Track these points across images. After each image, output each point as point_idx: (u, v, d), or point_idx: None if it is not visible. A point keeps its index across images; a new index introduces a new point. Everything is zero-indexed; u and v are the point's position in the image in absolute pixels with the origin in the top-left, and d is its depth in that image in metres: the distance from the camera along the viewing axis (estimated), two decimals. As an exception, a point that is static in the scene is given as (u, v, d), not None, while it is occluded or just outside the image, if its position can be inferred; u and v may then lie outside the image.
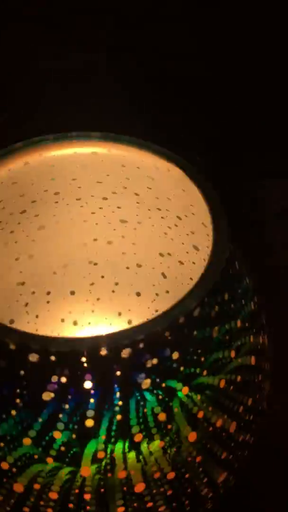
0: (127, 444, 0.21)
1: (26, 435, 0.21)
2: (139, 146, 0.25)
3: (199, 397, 0.22)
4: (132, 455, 0.21)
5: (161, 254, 0.33)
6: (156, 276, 0.34)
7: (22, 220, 0.31)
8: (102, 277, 0.35)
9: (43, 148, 0.25)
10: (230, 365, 0.23)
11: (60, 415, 0.20)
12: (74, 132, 0.25)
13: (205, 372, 0.22)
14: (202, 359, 0.22)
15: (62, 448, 0.21)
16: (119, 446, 0.21)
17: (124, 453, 0.21)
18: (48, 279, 0.35)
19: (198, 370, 0.21)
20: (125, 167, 0.27)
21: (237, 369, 0.23)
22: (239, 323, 0.23)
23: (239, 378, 0.23)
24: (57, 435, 0.21)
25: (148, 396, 0.21)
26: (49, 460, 0.21)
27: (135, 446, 0.21)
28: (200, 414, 0.22)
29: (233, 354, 0.23)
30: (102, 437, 0.21)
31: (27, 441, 0.21)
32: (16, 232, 0.32)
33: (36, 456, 0.21)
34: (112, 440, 0.21)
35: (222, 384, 0.22)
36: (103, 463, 0.21)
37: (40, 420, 0.20)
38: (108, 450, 0.21)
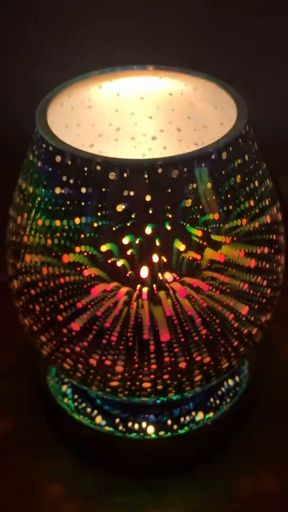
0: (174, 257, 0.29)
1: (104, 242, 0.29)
2: (182, 72, 0.35)
3: (226, 226, 0.30)
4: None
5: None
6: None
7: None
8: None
9: (112, 75, 0.35)
10: (252, 214, 0.31)
11: (128, 224, 0.29)
12: (134, 65, 0.35)
13: (234, 214, 0.30)
14: (231, 204, 0.30)
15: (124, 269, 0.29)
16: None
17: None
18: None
19: (229, 207, 0.30)
20: (171, 96, 0.36)
21: (258, 220, 0.31)
22: (256, 183, 0.31)
23: (257, 224, 0.31)
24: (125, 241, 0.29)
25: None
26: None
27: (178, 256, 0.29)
28: (227, 240, 0.30)
29: (252, 203, 0.31)
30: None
31: (104, 247, 0.29)
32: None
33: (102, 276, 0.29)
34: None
35: (244, 222, 0.30)
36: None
37: (114, 229, 0.29)
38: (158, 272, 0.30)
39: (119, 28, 0.61)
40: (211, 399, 0.39)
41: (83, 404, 0.39)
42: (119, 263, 0.30)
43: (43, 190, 0.30)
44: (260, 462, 0.38)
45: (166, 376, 0.32)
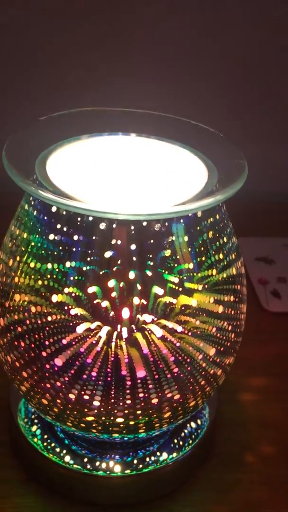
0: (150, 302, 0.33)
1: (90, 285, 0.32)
2: (162, 140, 0.39)
3: (199, 275, 0.34)
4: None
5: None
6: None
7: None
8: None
9: (102, 138, 0.39)
10: (221, 266, 0.35)
11: (114, 269, 0.32)
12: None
13: (205, 265, 0.34)
14: (203, 256, 0.34)
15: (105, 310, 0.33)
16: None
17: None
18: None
19: (202, 259, 0.34)
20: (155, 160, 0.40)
21: (226, 271, 0.35)
22: (225, 239, 0.35)
23: (225, 275, 0.35)
24: (110, 284, 0.32)
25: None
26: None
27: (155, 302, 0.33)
28: (199, 288, 0.34)
29: (221, 256, 0.35)
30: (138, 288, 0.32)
31: (90, 289, 0.32)
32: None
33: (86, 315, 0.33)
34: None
35: (215, 273, 0.34)
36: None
37: (101, 273, 0.32)
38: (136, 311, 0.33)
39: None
40: (175, 441, 0.42)
41: (52, 444, 0.41)
42: (103, 304, 0.33)
43: (36, 236, 0.34)
44: (218, 500, 0.41)
45: (139, 412, 0.35)
